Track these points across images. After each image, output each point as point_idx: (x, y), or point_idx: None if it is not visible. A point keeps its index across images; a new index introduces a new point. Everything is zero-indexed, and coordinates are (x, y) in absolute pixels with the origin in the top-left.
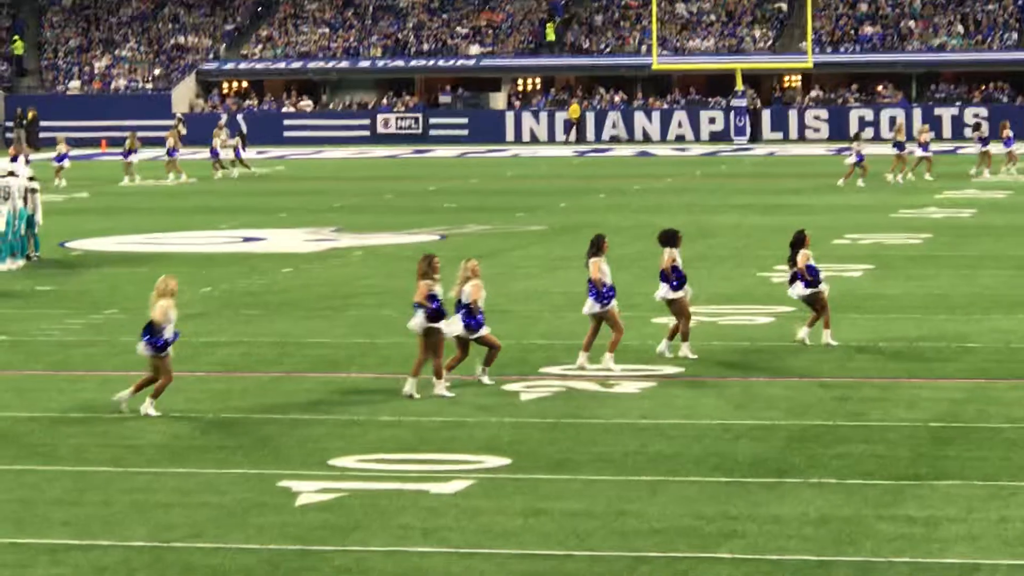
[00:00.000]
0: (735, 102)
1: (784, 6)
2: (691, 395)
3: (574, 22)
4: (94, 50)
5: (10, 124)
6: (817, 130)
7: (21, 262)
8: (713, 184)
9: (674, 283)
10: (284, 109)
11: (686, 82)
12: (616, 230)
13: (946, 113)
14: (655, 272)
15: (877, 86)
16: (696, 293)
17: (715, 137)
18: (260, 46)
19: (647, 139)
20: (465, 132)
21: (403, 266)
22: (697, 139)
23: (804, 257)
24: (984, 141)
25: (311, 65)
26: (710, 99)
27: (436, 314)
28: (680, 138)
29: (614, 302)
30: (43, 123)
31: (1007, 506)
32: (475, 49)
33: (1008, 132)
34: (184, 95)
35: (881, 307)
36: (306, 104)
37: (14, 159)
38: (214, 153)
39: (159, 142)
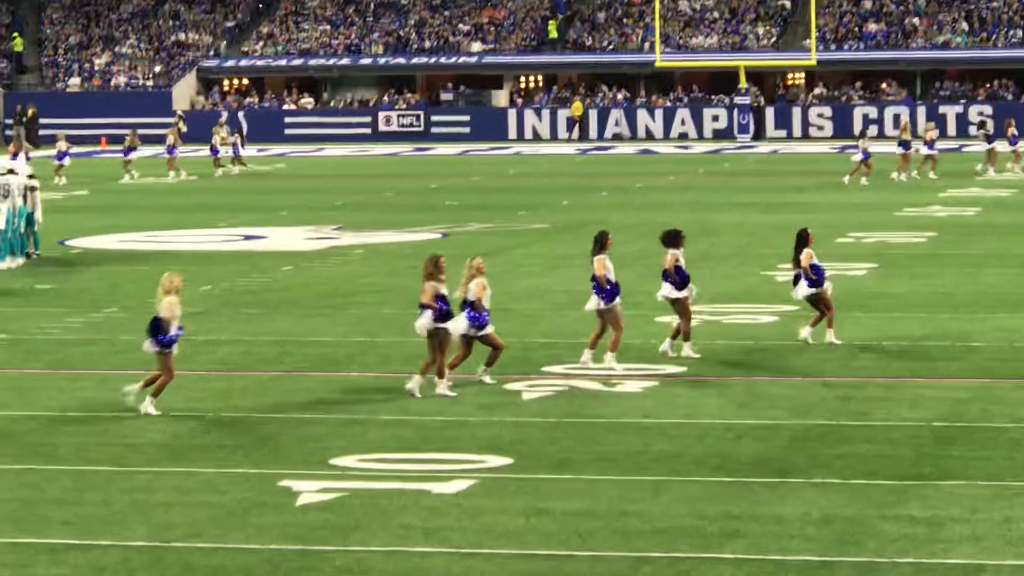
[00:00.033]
0: (738, 100)
1: (787, 3)
2: (694, 394)
3: (576, 19)
4: (94, 47)
5: (10, 121)
6: (821, 128)
7: (21, 260)
8: (716, 182)
9: (676, 283)
10: (285, 106)
11: (689, 79)
12: (618, 228)
13: (950, 111)
14: (657, 270)
15: (881, 84)
16: (699, 292)
17: (718, 135)
18: (261, 43)
19: (650, 137)
20: (467, 130)
21: (404, 264)
22: (700, 137)
23: (807, 256)
24: (989, 139)
25: (312, 62)
26: (713, 97)
27: (444, 315)
28: (683, 136)
29: (618, 299)
30: (43, 120)
31: (1011, 506)
32: (477, 46)
33: (1013, 130)
34: (185, 92)
35: (885, 306)
36: (307, 101)
37: (15, 156)
38: (214, 150)
39: (160, 140)
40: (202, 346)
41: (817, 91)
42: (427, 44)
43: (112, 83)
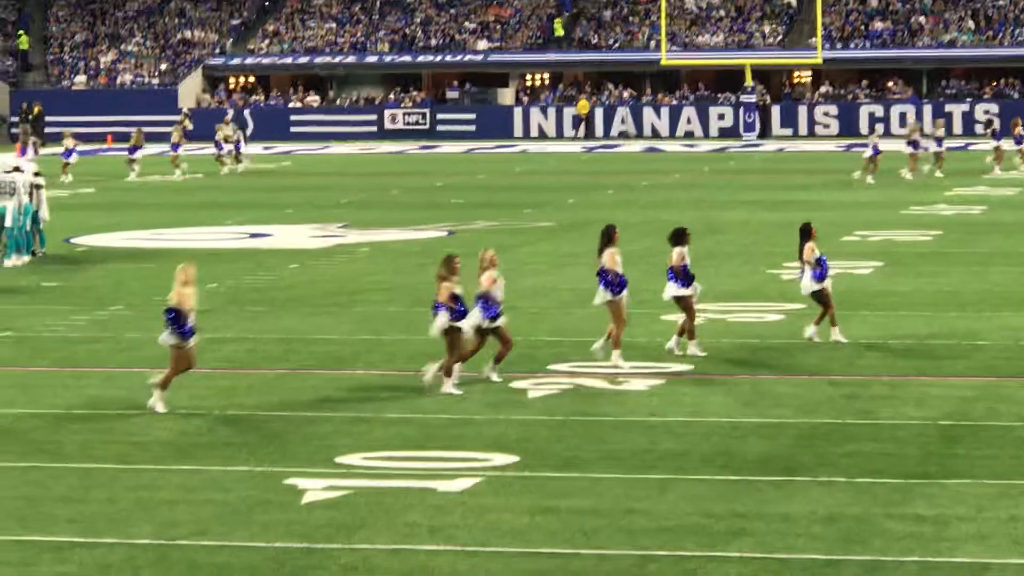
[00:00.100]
0: (744, 98)
1: (794, 1)
2: (699, 392)
3: (582, 17)
4: (100, 45)
5: (16, 119)
6: (827, 126)
7: (27, 258)
8: (722, 180)
9: (682, 281)
10: (291, 104)
11: (695, 78)
12: (624, 226)
13: (956, 109)
14: (663, 269)
15: (887, 82)
16: (705, 290)
17: (724, 133)
18: (267, 41)
19: (656, 135)
20: (473, 128)
21: (410, 262)
22: (706, 135)
23: (809, 250)
24: (997, 136)
25: (318, 60)
26: (719, 95)
27: (460, 315)
28: (689, 134)
29: (625, 292)
30: (48, 118)
31: (1017, 505)
32: (483, 44)
33: (1019, 129)
34: (190, 90)
35: (891, 304)
36: (313, 99)
37: (23, 151)
38: (219, 146)
39: (165, 138)
40: (208, 344)
41: (823, 89)
42: (433, 42)
43: (118, 81)
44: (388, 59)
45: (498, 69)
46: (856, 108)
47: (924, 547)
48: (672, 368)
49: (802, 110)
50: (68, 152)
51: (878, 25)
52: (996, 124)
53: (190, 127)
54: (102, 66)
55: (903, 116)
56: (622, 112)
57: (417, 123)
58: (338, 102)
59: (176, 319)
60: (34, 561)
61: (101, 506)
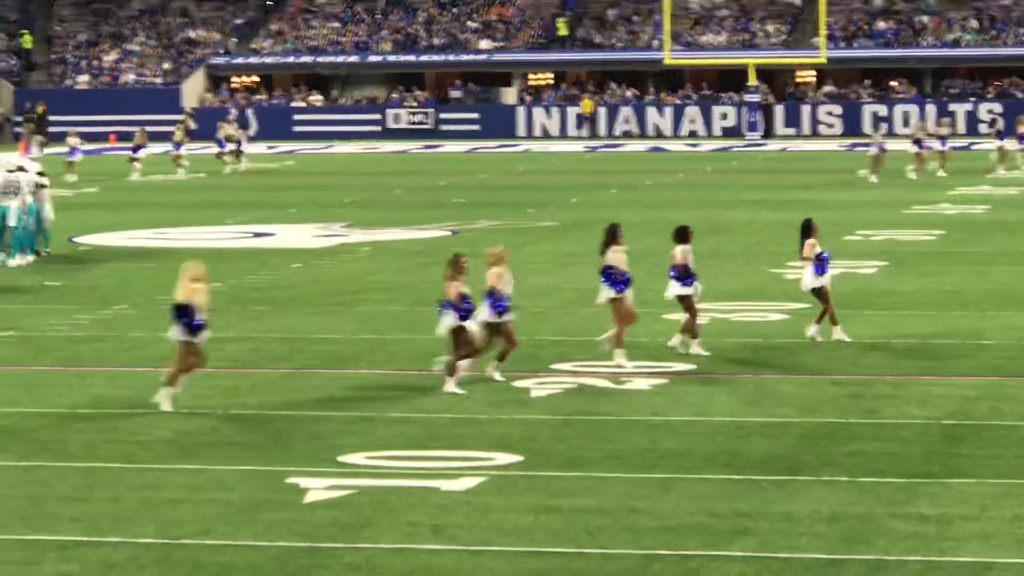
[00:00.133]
0: (748, 97)
1: (797, 1)
2: (703, 392)
3: (586, 16)
4: (103, 44)
5: (19, 118)
6: (830, 126)
7: (30, 257)
8: (725, 180)
9: (685, 280)
10: (294, 104)
11: (698, 77)
12: (627, 226)
13: (960, 109)
14: (666, 268)
15: (891, 82)
16: (707, 289)
17: (727, 133)
18: (270, 40)
19: (659, 134)
20: (476, 127)
21: (413, 262)
22: (709, 134)
23: (809, 247)
24: (1001, 136)
25: (321, 60)
26: (722, 94)
27: (466, 315)
28: (692, 133)
29: (629, 291)
30: (52, 117)
31: (1020, 504)
32: (486, 44)
33: (1023, 128)
34: (193, 89)
35: (894, 304)
36: (316, 99)
37: (27, 150)
38: (221, 144)
39: (168, 137)
40: (211, 343)
41: (826, 89)
42: (436, 41)
43: (121, 80)
44: (391, 58)
45: (501, 68)
46: (859, 108)
47: (927, 546)
48: (675, 367)
49: (805, 110)
50: (72, 151)
51: (881, 25)
52: (1000, 123)
53: (193, 126)
54: (105, 65)
55: (906, 116)
56: (625, 111)
57: (420, 122)
58: (341, 101)
59: (184, 314)
60: (38, 560)
61: (105, 505)
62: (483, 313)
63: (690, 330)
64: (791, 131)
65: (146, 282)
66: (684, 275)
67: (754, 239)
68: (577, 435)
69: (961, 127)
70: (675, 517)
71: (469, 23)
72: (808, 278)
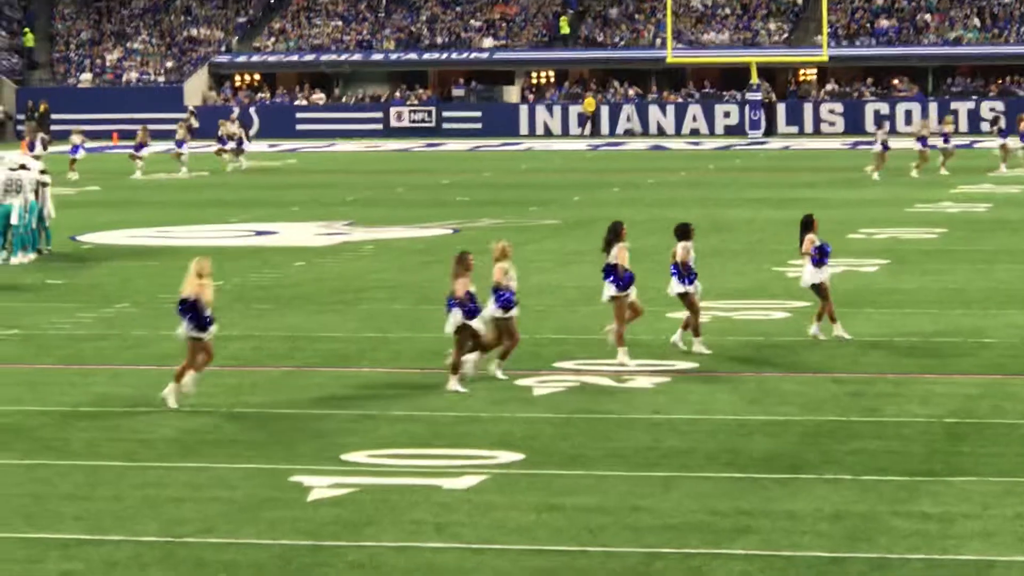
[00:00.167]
0: (750, 96)
1: None
2: (705, 390)
3: (588, 15)
4: (106, 42)
5: (22, 117)
6: (832, 124)
7: (32, 256)
8: (727, 178)
9: (686, 278)
10: (297, 102)
11: (700, 75)
12: (630, 224)
13: (962, 107)
14: (668, 266)
15: (893, 80)
16: (710, 288)
17: (729, 131)
18: (273, 39)
19: (661, 133)
20: (478, 125)
21: (415, 260)
22: (711, 133)
23: (808, 242)
24: (1003, 134)
25: (324, 58)
26: (725, 93)
27: (472, 313)
28: (694, 132)
29: (632, 289)
30: (54, 116)
31: (1023, 503)
32: (489, 42)
33: None
34: (196, 88)
35: (896, 302)
36: (319, 97)
37: (31, 146)
38: (222, 141)
39: (171, 135)
40: (214, 341)
41: (829, 87)
42: (439, 40)
43: (123, 79)
44: (394, 57)
45: (504, 67)
46: (862, 106)
47: (929, 544)
48: (677, 366)
49: (807, 108)
50: (75, 148)
51: (883, 23)
52: (1002, 122)
53: (196, 125)
54: (108, 64)
55: (909, 114)
56: (628, 110)
57: (423, 121)
58: (344, 100)
59: (192, 310)
60: (41, 558)
61: (108, 503)
62: (488, 310)
63: (692, 328)
64: (793, 129)
65: (148, 280)
66: (685, 272)
67: (756, 237)
68: (579, 433)
69: (963, 126)
70: (677, 515)
71: (472, 21)
72: (808, 274)
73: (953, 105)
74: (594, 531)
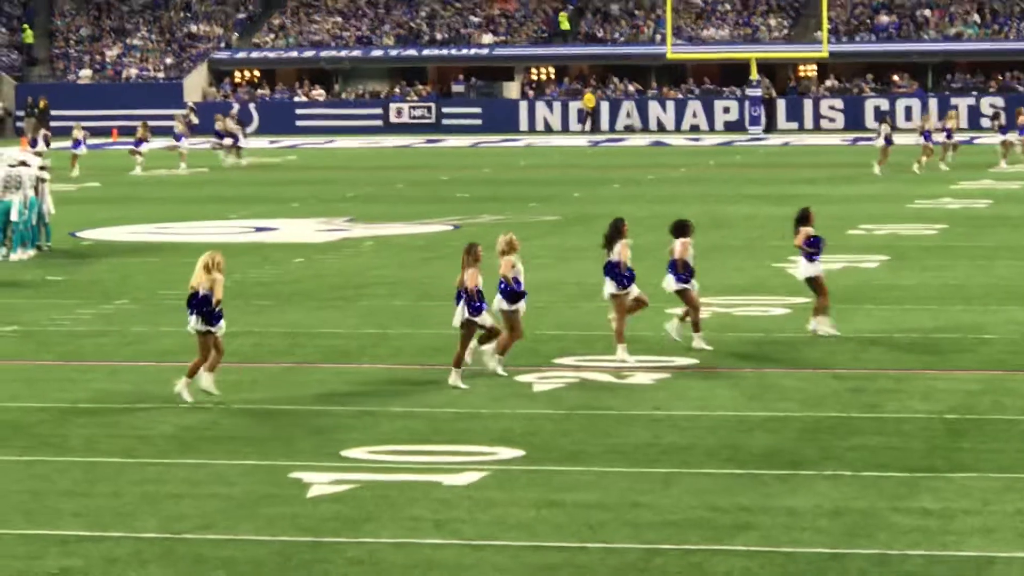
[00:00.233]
0: (750, 92)
1: None
2: (705, 386)
3: (588, 11)
4: (105, 39)
5: (21, 113)
6: (832, 120)
7: (32, 252)
8: (727, 174)
9: (682, 275)
10: (296, 98)
11: (701, 71)
12: (630, 220)
13: (962, 103)
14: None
15: (893, 76)
16: (710, 284)
17: (729, 127)
18: (272, 35)
19: (661, 129)
20: (478, 122)
21: (415, 256)
22: (711, 129)
23: (803, 235)
24: (1004, 130)
25: (323, 54)
26: (725, 89)
27: (478, 310)
28: (694, 128)
29: (634, 286)
30: (54, 112)
31: (1023, 498)
32: (488, 38)
33: None
34: (196, 84)
35: (896, 298)
36: (318, 93)
37: (33, 142)
38: (219, 135)
39: (171, 132)
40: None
41: (829, 83)
42: (438, 36)
43: (123, 75)
44: (393, 53)
45: (503, 63)
46: (862, 102)
47: (930, 540)
48: (677, 362)
49: (807, 104)
50: (77, 143)
51: (883, 19)
52: (1002, 118)
53: (195, 121)
54: (107, 60)
55: (908, 110)
56: (628, 106)
57: (423, 117)
58: (343, 96)
59: (202, 304)
60: (40, 555)
61: (107, 500)
62: (495, 303)
63: (693, 325)
64: (793, 125)
65: (148, 277)
66: (683, 269)
67: (756, 233)
68: (579, 429)
69: (964, 122)
70: (677, 511)
71: (472, 17)
72: (802, 267)
73: (953, 101)
74: (594, 527)
